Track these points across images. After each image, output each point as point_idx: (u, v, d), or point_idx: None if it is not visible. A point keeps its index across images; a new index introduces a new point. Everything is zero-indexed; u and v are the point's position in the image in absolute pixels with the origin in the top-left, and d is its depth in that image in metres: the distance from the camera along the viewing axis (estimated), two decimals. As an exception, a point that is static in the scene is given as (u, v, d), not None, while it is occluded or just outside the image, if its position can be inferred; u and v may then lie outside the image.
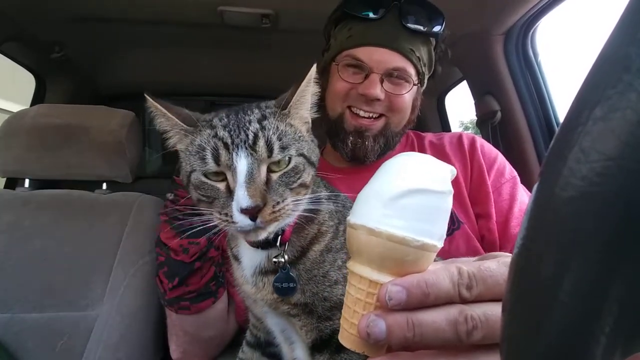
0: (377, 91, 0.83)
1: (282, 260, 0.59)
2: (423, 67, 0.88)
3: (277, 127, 0.54)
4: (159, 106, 0.57)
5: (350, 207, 0.66)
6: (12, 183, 1.42)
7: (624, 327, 0.19)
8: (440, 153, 0.95)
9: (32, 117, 1.18)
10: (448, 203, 0.38)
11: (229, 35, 1.45)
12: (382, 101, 0.85)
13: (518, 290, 0.22)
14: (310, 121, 0.63)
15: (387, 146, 0.91)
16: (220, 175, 0.53)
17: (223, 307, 0.87)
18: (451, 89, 1.87)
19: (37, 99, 1.60)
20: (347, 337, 0.40)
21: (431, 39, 0.89)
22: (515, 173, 0.92)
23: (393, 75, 0.85)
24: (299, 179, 0.54)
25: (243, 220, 0.49)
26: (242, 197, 0.48)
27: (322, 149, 1.08)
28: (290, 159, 0.54)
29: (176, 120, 0.57)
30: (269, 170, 0.53)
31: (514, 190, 0.88)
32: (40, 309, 0.99)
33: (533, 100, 1.33)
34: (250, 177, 0.50)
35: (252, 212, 0.49)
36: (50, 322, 0.98)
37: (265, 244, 0.60)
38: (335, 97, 0.89)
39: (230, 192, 0.51)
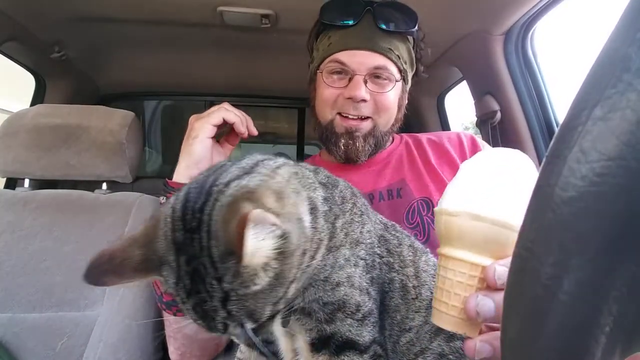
0: (362, 92, 0.86)
1: None
2: (404, 65, 0.91)
3: None
4: None
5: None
6: (12, 183, 1.42)
7: (624, 327, 0.19)
8: (440, 149, 0.96)
9: (32, 117, 1.18)
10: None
11: (229, 36, 1.44)
12: (368, 102, 0.88)
13: (518, 290, 0.22)
14: None
15: (377, 146, 0.94)
16: None
17: None
18: (451, 89, 1.87)
19: (37, 99, 1.60)
20: (446, 319, 0.42)
21: (409, 37, 0.92)
22: None
23: (376, 76, 0.88)
24: None
25: None
26: None
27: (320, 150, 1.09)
28: None
29: None
30: None
31: None
32: (40, 309, 0.99)
33: (533, 100, 1.33)
34: None
35: None
36: (50, 322, 0.98)
37: None
38: (325, 104, 0.93)
39: None
